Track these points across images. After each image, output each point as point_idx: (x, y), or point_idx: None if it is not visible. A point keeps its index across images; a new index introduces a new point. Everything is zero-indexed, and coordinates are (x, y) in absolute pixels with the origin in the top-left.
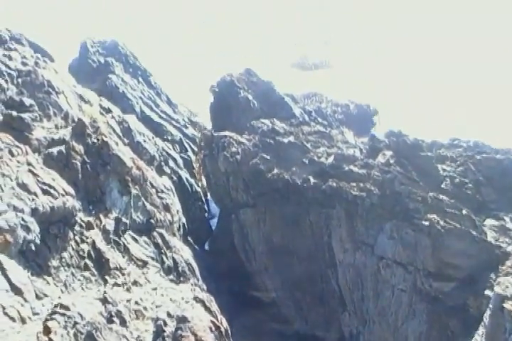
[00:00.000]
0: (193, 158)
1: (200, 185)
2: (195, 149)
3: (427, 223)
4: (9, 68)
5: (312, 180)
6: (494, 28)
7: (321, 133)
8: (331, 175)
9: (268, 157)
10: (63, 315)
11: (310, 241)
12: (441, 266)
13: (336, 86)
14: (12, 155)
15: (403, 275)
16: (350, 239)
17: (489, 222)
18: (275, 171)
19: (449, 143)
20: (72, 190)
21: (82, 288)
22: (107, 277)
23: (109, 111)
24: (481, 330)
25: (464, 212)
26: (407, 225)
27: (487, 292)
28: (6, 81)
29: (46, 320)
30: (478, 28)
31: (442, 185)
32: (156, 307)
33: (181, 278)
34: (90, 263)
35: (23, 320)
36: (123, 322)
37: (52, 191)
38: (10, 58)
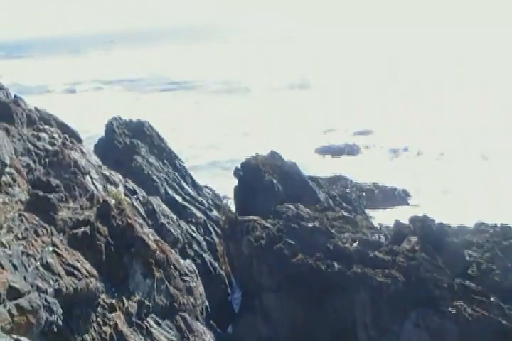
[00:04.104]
0: (217, 240)
1: (223, 268)
2: (219, 232)
3: (453, 310)
4: (37, 148)
5: (336, 265)
6: None
7: (345, 219)
8: (356, 260)
9: (292, 242)
10: None
11: (334, 327)
12: None
13: (360, 170)
14: (37, 235)
15: None
16: (375, 326)
17: None
18: (299, 256)
19: (475, 229)
20: (95, 272)
21: None
22: None
23: (134, 192)
24: None
25: (492, 299)
26: (433, 312)
27: None
28: (34, 161)
29: None
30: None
31: (469, 272)
32: None
33: None
34: None
35: None
36: None
37: (75, 272)
38: (38, 138)
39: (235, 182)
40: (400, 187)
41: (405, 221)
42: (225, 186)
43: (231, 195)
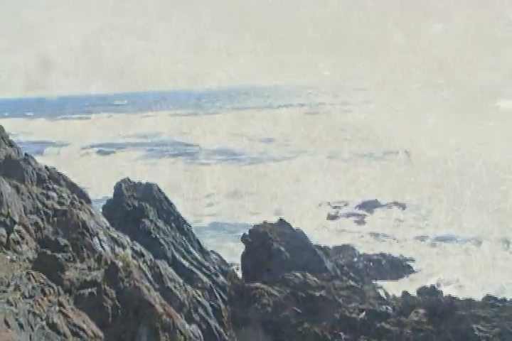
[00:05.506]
0: (223, 306)
1: (229, 334)
2: (225, 298)
3: None
4: (46, 207)
5: (343, 335)
6: None
7: (352, 289)
8: (363, 331)
9: (299, 310)
10: None
11: None
12: None
13: (368, 239)
14: (44, 294)
15: None
16: None
17: None
18: (306, 325)
19: (484, 302)
20: (101, 333)
21: None
22: None
23: (141, 255)
24: None
25: None
26: None
27: None
28: (42, 219)
29: None
30: None
31: None
32: None
33: None
34: None
35: None
36: None
37: (81, 333)
38: (47, 197)
39: (242, 247)
40: (408, 256)
41: (413, 291)
42: (231, 251)
43: (237, 260)
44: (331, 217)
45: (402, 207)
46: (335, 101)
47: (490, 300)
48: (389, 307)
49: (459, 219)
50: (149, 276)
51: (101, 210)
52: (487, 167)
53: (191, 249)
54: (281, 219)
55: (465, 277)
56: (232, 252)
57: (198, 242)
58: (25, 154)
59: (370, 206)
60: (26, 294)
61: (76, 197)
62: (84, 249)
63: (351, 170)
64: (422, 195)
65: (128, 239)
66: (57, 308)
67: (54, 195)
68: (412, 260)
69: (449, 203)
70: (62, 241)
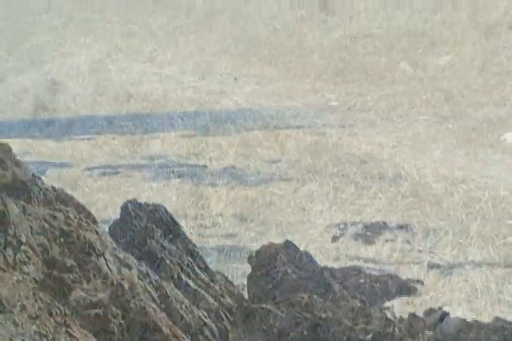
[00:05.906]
0: (229, 328)
1: None
2: (231, 319)
3: None
4: (53, 227)
5: None
6: None
7: (359, 310)
8: None
9: (305, 332)
10: None
11: None
12: None
13: (375, 261)
14: (50, 315)
15: None
16: None
17: None
18: None
19: (493, 325)
20: None
21: None
22: None
23: (147, 276)
24: None
25: None
26: None
27: None
28: (49, 240)
29: None
30: None
31: None
32: None
33: None
34: None
35: None
36: None
37: None
38: (54, 218)
39: (248, 268)
40: (415, 277)
41: (420, 313)
42: (237, 272)
43: (243, 281)
44: (336, 239)
45: (410, 231)
46: (341, 132)
47: (499, 322)
48: (396, 329)
49: (465, 251)
50: (155, 297)
51: (107, 230)
52: (493, 201)
53: (197, 270)
54: (287, 240)
55: (470, 311)
56: (238, 273)
57: (205, 263)
58: (33, 174)
59: (376, 228)
60: (33, 315)
61: (83, 217)
62: (91, 270)
63: (356, 202)
64: (428, 227)
65: (134, 260)
66: (63, 329)
67: (61, 215)
68: (420, 282)
69: (455, 236)
70: (69, 261)
